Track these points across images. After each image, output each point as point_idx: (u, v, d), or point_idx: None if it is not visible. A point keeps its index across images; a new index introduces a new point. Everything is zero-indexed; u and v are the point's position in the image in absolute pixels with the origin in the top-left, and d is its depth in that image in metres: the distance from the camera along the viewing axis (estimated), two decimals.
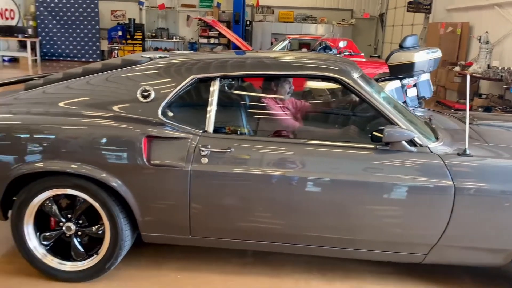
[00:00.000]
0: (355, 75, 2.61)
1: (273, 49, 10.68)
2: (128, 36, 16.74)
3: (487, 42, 8.70)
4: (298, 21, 17.53)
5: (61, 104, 2.67)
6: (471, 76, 9.01)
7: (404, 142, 2.42)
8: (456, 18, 11.04)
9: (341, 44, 8.53)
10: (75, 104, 2.66)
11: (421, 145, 2.46)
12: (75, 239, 2.65)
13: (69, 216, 2.63)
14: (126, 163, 2.44)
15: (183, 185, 2.44)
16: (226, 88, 2.95)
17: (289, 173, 2.43)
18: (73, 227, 2.62)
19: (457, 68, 9.59)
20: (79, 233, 2.65)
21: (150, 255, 2.98)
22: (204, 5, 17.63)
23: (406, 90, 5.64)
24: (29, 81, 3.05)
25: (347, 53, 8.46)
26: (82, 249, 2.65)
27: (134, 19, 16.99)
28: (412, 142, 2.45)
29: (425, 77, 5.82)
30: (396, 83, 5.52)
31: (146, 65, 2.75)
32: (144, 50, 17.07)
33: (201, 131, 2.52)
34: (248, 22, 17.12)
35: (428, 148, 2.47)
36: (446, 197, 2.36)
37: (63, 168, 2.45)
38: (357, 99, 3.02)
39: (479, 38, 8.83)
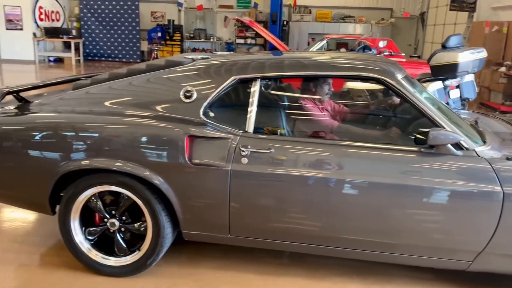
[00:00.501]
0: (399, 76, 2.56)
1: (310, 49, 10.61)
2: (167, 37, 17.06)
3: None
4: (336, 21, 17.33)
5: (106, 103, 2.75)
6: None
7: (449, 146, 2.36)
8: (502, 17, 10.62)
9: (381, 44, 8.37)
10: (120, 103, 2.73)
11: (467, 149, 2.40)
12: (118, 235, 2.73)
13: (113, 212, 2.71)
14: (168, 162, 2.49)
15: (223, 184, 2.47)
16: (267, 88, 2.96)
17: (329, 175, 2.41)
18: (116, 223, 2.70)
19: (503, 69, 9.23)
20: (122, 229, 2.72)
21: (190, 253, 3.03)
22: (242, 6, 17.73)
23: (448, 92, 5.48)
24: (77, 81, 3.16)
25: (387, 53, 8.30)
26: (124, 245, 2.73)
27: (173, 20, 17.30)
28: (458, 146, 2.39)
29: (469, 78, 5.63)
30: (438, 84, 5.37)
31: (188, 66, 2.80)
32: (182, 50, 17.36)
33: (241, 131, 2.54)
34: (285, 22, 17.08)
35: (475, 151, 2.40)
36: (494, 203, 2.29)
37: (108, 165, 2.52)
38: (398, 100, 2.98)
39: None
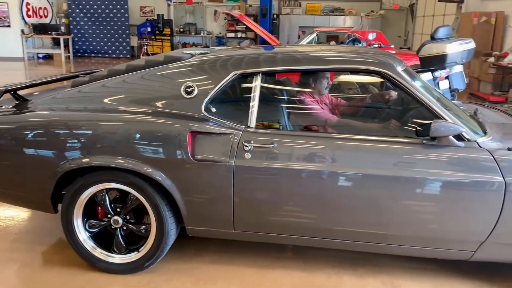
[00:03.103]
0: (399, 68, 2.57)
1: (300, 43, 10.61)
2: (157, 32, 16.97)
3: None
4: (326, 14, 17.33)
5: (106, 100, 2.72)
6: (505, 67, 8.74)
7: (451, 137, 2.37)
8: (491, 7, 10.69)
9: (370, 36, 8.40)
10: (120, 100, 2.71)
11: (469, 140, 2.41)
12: (119, 232, 2.73)
13: (118, 210, 2.70)
14: (171, 158, 2.48)
15: (227, 180, 2.47)
16: (268, 83, 2.94)
17: (332, 168, 2.42)
18: (120, 220, 2.70)
19: (492, 59, 9.31)
20: (124, 227, 2.72)
21: (183, 248, 3.05)
22: (231, 0, 17.66)
23: (438, 83, 5.53)
24: (75, 78, 3.13)
25: (376, 45, 8.34)
26: (123, 243, 2.73)
27: (163, 15, 17.20)
28: (459, 137, 2.40)
29: (458, 69, 5.68)
30: (427, 76, 5.42)
31: (188, 62, 2.79)
32: (172, 45, 17.28)
33: (243, 126, 2.54)
34: (275, 16, 17.06)
35: (477, 142, 2.41)
36: (496, 193, 2.32)
37: (109, 163, 2.50)
38: (395, 94, 3.00)
39: None
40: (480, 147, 2.40)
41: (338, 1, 17.46)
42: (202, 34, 17.77)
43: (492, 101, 8.06)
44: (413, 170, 2.37)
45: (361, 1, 17.43)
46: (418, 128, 2.42)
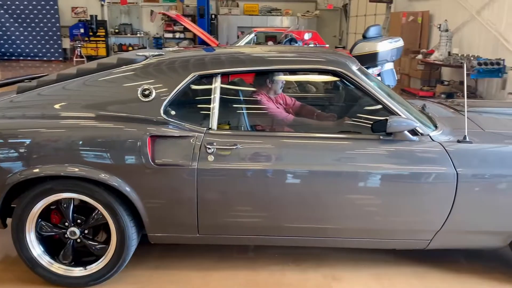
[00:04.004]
0: (354, 68, 2.64)
1: (239, 43, 10.66)
2: (91, 33, 16.35)
3: (446, 30, 8.96)
4: (263, 14, 17.51)
5: (57, 106, 2.59)
6: (432, 64, 9.28)
7: (406, 132, 2.47)
8: (417, 7, 11.31)
9: (306, 36, 8.60)
10: (73, 106, 2.59)
11: (422, 134, 2.52)
12: (71, 243, 2.58)
13: (79, 221, 2.57)
14: (130, 164, 2.41)
15: (190, 183, 2.43)
16: (226, 84, 2.94)
17: (297, 167, 2.46)
18: (77, 232, 2.56)
19: (420, 56, 9.84)
20: (78, 240, 2.58)
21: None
22: (168, 0, 17.38)
23: None
24: (20, 83, 2.94)
25: (312, 45, 8.54)
26: (71, 255, 2.59)
27: (96, 16, 16.60)
28: (413, 132, 2.51)
29: (389, 66, 5.96)
30: None
31: (143, 64, 2.71)
32: (108, 46, 16.73)
33: (205, 128, 2.51)
34: (213, 16, 17.00)
35: (430, 136, 2.53)
36: (449, 184, 2.44)
37: (64, 172, 2.39)
38: (346, 91, 3.11)
39: (439, 26, 9.08)
40: (433, 140, 2.52)
41: (275, 2, 17.71)
42: (138, 35, 17.32)
43: (422, 96, 8.52)
44: (371, 166, 2.46)
45: (297, 1, 17.79)
46: (374, 124, 2.48)
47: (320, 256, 3.00)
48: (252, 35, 10.64)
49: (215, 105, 2.56)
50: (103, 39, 16.55)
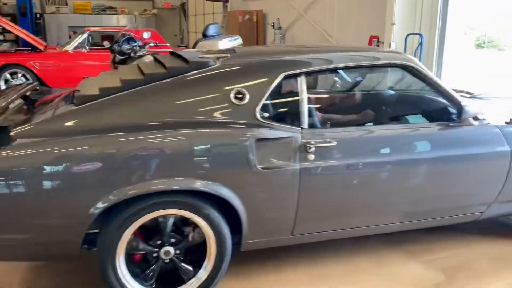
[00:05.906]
0: (419, 63, 2.85)
1: (71, 43, 9.77)
2: None
3: (279, 28, 9.54)
4: (97, 13, 16.55)
5: (138, 116, 2.33)
6: None
7: (471, 118, 2.74)
8: (252, 6, 11.83)
9: (145, 35, 8.22)
10: (156, 114, 2.35)
11: (480, 119, 2.81)
12: (159, 263, 2.37)
13: (174, 240, 2.37)
14: (236, 171, 2.34)
15: (293, 184, 2.43)
16: (312, 82, 3.03)
17: (398, 156, 2.61)
18: (172, 252, 2.35)
19: None
20: (167, 261, 2.38)
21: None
22: None
23: None
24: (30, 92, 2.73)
25: (152, 44, 8.24)
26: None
27: None
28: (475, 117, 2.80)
29: None
30: None
31: (224, 67, 2.58)
32: None
33: (299, 128, 2.49)
34: (38, 15, 15.37)
35: (485, 120, 2.83)
36: (504, 161, 2.80)
37: (169, 186, 2.22)
38: (409, 85, 3.38)
39: (272, 24, 9.62)
40: (490, 123, 2.83)
41: (109, 0, 16.82)
42: None
43: None
44: (454, 150, 2.71)
45: (132, 0, 17.16)
46: (445, 112, 2.78)
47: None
48: (85, 35, 9.86)
49: (303, 104, 2.55)
50: None
